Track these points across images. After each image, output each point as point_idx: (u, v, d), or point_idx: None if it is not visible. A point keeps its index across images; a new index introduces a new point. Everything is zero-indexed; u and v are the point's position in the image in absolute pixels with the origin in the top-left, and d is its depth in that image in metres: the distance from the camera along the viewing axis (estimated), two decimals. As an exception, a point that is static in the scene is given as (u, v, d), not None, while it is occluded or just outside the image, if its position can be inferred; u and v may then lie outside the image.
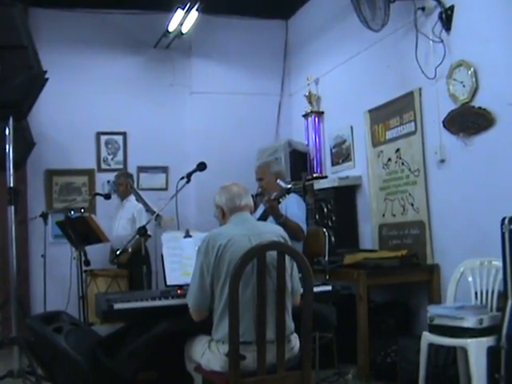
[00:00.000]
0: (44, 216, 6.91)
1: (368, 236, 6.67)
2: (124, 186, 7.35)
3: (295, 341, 3.39)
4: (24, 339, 4.38)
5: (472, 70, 5.01)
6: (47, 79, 4.63)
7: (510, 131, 4.72)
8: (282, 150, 7.64)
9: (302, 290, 3.43)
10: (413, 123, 5.86)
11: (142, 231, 4.85)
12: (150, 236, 5.76)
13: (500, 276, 4.46)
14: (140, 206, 6.56)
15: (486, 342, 4.24)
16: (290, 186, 5.08)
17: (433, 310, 4.61)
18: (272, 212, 5.11)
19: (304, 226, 5.35)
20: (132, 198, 7.08)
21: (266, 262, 3.12)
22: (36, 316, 4.99)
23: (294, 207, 5.38)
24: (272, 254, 3.17)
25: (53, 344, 3.96)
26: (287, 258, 3.24)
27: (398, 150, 6.10)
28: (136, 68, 8.21)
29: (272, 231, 3.52)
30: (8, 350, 4.59)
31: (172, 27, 7.51)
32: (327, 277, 5.31)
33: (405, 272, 5.60)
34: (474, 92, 5.02)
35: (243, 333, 3.11)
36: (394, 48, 6.07)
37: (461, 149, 5.23)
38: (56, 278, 7.00)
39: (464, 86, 5.11)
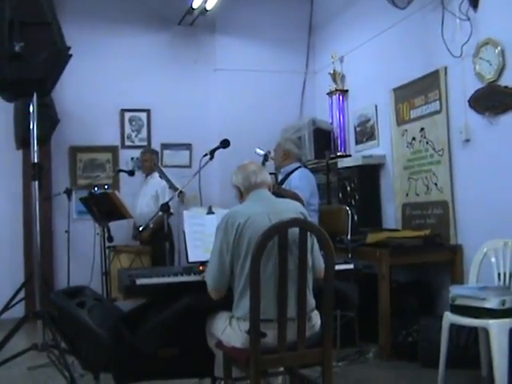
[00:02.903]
0: (68, 192, 6.95)
1: (391, 215, 6.65)
2: (149, 162, 7.39)
3: (316, 318, 3.39)
4: (48, 313, 4.43)
5: (499, 48, 4.95)
6: (71, 55, 4.61)
7: (537, 111, 4.67)
8: (305, 128, 7.62)
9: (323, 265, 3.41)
10: (438, 102, 5.81)
11: (165, 208, 4.86)
12: (172, 213, 5.77)
13: (524, 257, 4.45)
14: (164, 182, 6.56)
15: (509, 323, 4.23)
16: (264, 152, 5.79)
17: (455, 290, 4.59)
18: None
19: (303, 195, 5.54)
20: (156, 174, 7.09)
21: (287, 239, 3.10)
22: (59, 291, 5.05)
23: (295, 179, 5.74)
24: (293, 231, 3.16)
25: (76, 318, 4.01)
26: (308, 234, 3.22)
27: (422, 129, 6.05)
28: (160, 45, 8.21)
29: (291, 209, 3.48)
30: (32, 323, 4.64)
31: (196, 4, 7.50)
32: (350, 255, 5.32)
33: (428, 252, 5.57)
34: (501, 71, 4.97)
35: (264, 310, 3.10)
36: (420, 26, 6.00)
37: (486, 128, 5.18)
38: (80, 254, 7.08)
39: (491, 64, 5.05)
